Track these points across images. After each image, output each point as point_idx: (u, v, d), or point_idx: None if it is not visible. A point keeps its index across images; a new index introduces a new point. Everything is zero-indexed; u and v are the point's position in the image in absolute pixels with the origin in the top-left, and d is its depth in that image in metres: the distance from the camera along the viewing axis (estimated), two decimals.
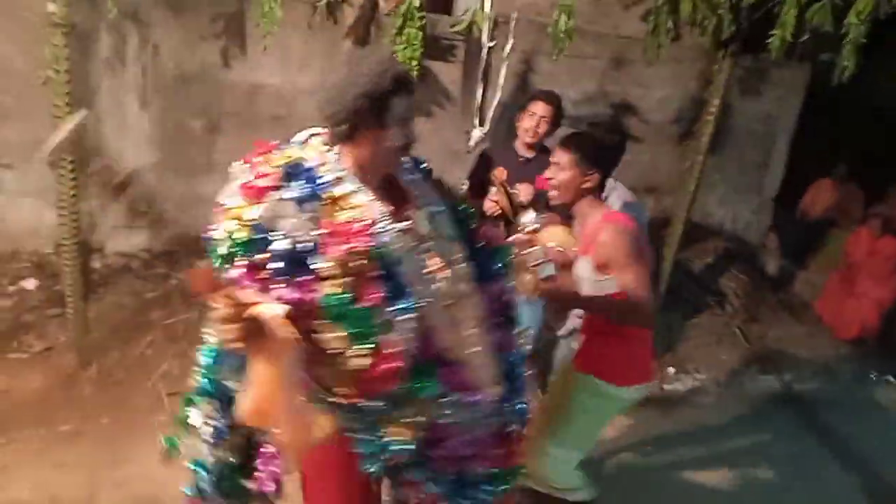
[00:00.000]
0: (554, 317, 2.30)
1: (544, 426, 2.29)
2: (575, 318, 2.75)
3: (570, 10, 3.07)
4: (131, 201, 3.91)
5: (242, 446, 1.72)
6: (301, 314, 1.36)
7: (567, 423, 2.25)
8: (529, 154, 3.00)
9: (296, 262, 1.38)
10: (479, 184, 3.02)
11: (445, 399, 1.56)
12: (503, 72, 2.81)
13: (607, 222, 2.11)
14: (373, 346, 1.41)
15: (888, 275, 5.01)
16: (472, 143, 2.80)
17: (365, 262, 1.41)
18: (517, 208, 2.74)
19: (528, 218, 2.24)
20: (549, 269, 2.13)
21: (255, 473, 1.73)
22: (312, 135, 1.57)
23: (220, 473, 1.72)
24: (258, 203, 1.38)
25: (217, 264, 1.41)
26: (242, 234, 1.36)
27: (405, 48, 3.02)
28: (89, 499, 2.58)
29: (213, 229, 1.41)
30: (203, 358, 1.68)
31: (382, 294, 1.43)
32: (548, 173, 2.19)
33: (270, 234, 1.36)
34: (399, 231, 1.48)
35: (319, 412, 1.57)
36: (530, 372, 1.86)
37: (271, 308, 1.29)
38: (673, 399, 3.84)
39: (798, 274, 5.82)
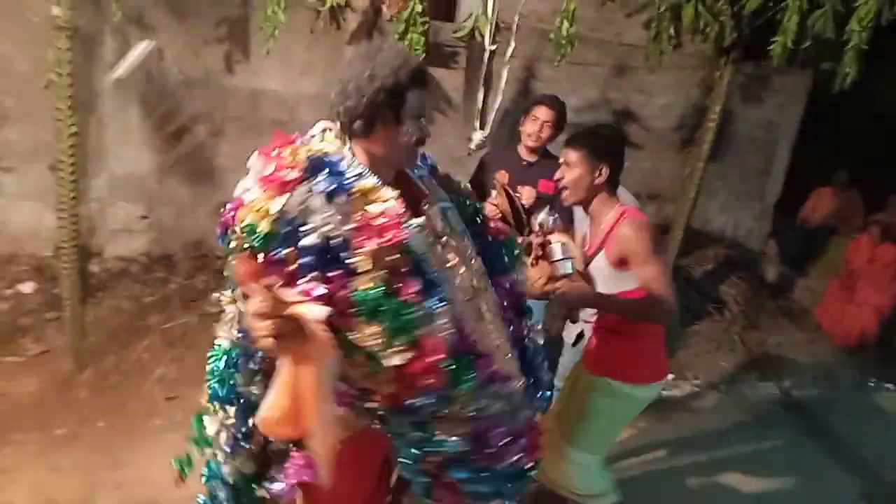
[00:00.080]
0: (551, 319, 2.27)
1: (562, 432, 2.25)
2: (582, 323, 2.73)
3: (572, 17, 3.07)
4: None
5: (258, 454, 1.66)
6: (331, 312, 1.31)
7: (585, 427, 2.21)
8: (532, 158, 3.00)
9: (326, 257, 1.32)
10: (480, 187, 3.01)
11: (485, 390, 1.51)
12: (505, 75, 2.82)
13: (626, 216, 2.07)
14: (413, 340, 1.36)
15: (888, 282, 5.01)
16: (472, 145, 2.80)
17: (398, 256, 1.37)
18: (518, 211, 2.73)
19: (543, 217, 2.22)
20: (569, 267, 2.09)
21: (275, 484, 1.65)
22: (326, 129, 1.53)
23: (238, 484, 1.65)
24: (283, 195, 1.32)
25: (232, 254, 1.37)
26: (267, 227, 1.30)
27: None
28: (86, 502, 2.56)
29: (232, 223, 1.36)
30: (214, 363, 1.62)
31: (419, 287, 1.39)
32: (558, 173, 2.16)
33: (299, 227, 1.31)
34: (418, 226, 1.45)
35: (347, 416, 1.52)
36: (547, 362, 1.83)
37: (314, 309, 1.22)
38: (672, 405, 3.83)
39: (798, 281, 5.82)
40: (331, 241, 1.32)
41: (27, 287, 3.65)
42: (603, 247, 2.12)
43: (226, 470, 1.63)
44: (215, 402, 1.62)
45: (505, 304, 1.70)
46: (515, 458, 1.62)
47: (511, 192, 2.77)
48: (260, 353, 1.52)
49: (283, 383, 1.29)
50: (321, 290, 1.28)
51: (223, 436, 1.61)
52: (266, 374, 1.53)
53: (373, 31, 3.29)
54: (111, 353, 3.37)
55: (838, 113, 6.24)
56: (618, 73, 4.88)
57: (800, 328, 5.17)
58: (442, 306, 1.41)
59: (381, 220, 1.37)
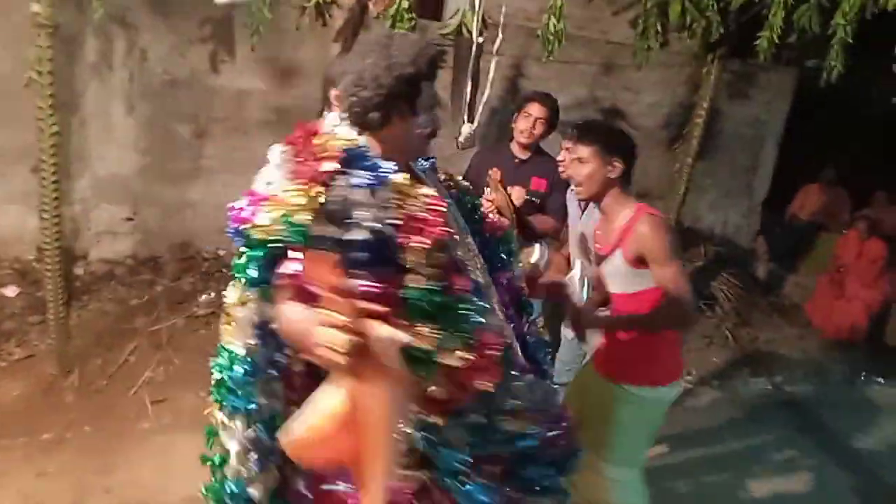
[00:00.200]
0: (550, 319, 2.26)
1: (592, 448, 2.11)
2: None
3: (560, 12, 3.07)
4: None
5: (278, 472, 1.52)
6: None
7: (615, 440, 2.13)
8: (524, 155, 2.98)
9: (374, 254, 1.24)
10: (472, 186, 2.99)
11: (524, 382, 1.46)
12: (493, 67, 2.80)
13: (643, 213, 2.02)
14: (470, 337, 1.29)
15: (875, 277, 5.05)
16: (461, 139, 2.78)
17: (446, 252, 1.31)
18: (511, 207, 2.72)
19: (535, 256, 2.20)
20: (583, 295, 2.05)
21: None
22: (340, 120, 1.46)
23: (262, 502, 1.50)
24: (320, 187, 1.25)
25: (261, 254, 1.28)
26: (307, 220, 1.22)
27: None
28: None
29: (250, 218, 1.27)
30: (222, 370, 1.47)
31: (470, 284, 1.34)
32: (570, 170, 2.14)
33: (342, 221, 1.23)
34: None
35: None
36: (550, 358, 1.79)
37: (398, 333, 1.12)
38: None
39: (787, 277, 5.84)
40: (377, 237, 1.25)
41: (10, 291, 3.59)
42: (620, 245, 2.05)
43: (253, 491, 1.48)
44: (233, 416, 1.46)
45: (505, 299, 1.67)
46: (567, 444, 1.55)
47: (505, 188, 2.76)
48: (281, 363, 1.42)
49: (331, 405, 1.15)
50: (367, 287, 1.18)
51: (252, 454, 1.46)
52: (289, 385, 1.44)
53: (359, 30, 3.27)
54: (97, 357, 3.32)
55: (824, 110, 6.29)
56: (605, 72, 4.89)
57: (790, 324, 5.20)
58: (485, 301, 1.36)
59: (427, 216, 1.30)
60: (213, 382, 1.50)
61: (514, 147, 3.00)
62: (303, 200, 1.23)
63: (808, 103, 5.77)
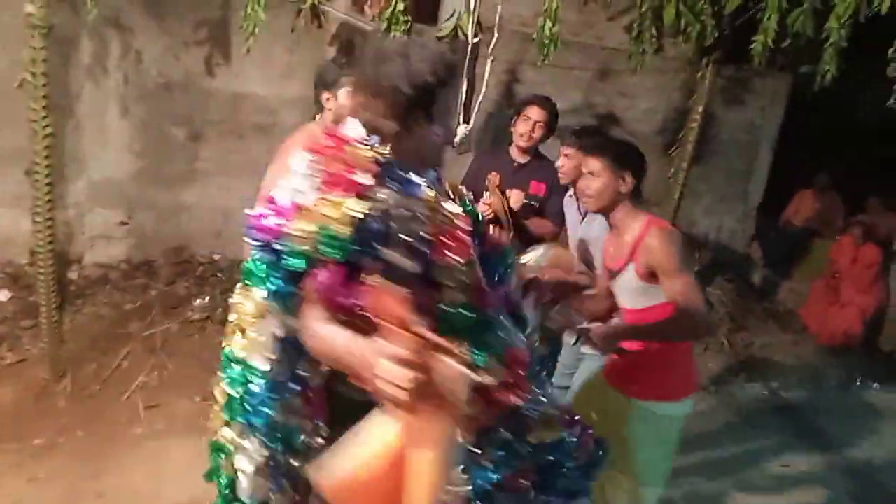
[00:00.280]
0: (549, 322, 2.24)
1: (624, 473, 2.12)
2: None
3: (555, 16, 3.07)
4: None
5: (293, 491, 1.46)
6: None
7: (646, 460, 2.11)
8: (523, 159, 2.97)
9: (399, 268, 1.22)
10: (471, 189, 2.99)
11: (549, 391, 1.46)
12: (488, 68, 2.81)
13: (653, 227, 2.00)
14: (501, 354, 1.29)
15: (870, 282, 5.06)
16: (456, 139, 2.78)
17: (473, 268, 1.29)
18: (509, 212, 2.71)
19: (534, 256, 2.19)
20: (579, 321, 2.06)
21: None
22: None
23: None
24: (358, 200, 1.21)
25: (294, 264, 1.24)
26: (348, 233, 1.19)
27: None
28: None
29: (279, 229, 1.23)
30: (235, 385, 1.38)
31: (498, 300, 1.33)
32: (581, 183, 2.12)
33: (381, 235, 1.21)
34: None
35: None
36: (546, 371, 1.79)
37: (464, 369, 1.08)
38: None
39: (782, 283, 5.85)
40: (414, 252, 1.23)
41: (2, 295, 3.56)
42: (632, 260, 2.03)
43: None
44: (249, 434, 1.39)
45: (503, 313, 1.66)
46: (593, 446, 1.55)
47: (503, 192, 2.76)
48: (303, 377, 1.37)
49: (385, 440, 1.10)
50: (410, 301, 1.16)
51: (268, 474, 1.40)
52: (304, 399, 1.39)
53: (355, 32, 3.27)
54: (90, 362, 3.28)
55: (818, 116, 6.32)
56: (601, 77, 4.90)
57: (785, 329, 5.20)
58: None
59: (459, 232, 1.30)
60: (220, 397, 1.43)
61: (514, 151, 2.99)
62: (339, 213, 1.20)
63: (802, 109, 5.80)
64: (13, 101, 2.97)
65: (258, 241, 1.28)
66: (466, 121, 2.71)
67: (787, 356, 4.78)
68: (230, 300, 1.47)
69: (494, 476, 1.36)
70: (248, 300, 1.38)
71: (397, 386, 1.05)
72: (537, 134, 2.91)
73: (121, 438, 2.89)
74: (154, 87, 3.87)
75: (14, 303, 3.53)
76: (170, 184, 4.06)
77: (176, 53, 3.86)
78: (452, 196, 1.68)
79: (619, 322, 2.20)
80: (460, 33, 2.87)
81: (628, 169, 2.05)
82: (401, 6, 2.86)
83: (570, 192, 2.81)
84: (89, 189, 3.89)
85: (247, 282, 1.38)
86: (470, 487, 1.31)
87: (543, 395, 1.44)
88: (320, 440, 1.42)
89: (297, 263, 1.24)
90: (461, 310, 1.24)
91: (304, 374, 1.38)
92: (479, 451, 1.33)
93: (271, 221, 1.26)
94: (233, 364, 1.39)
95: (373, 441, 1.11)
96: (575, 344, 2.79)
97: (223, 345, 1.49)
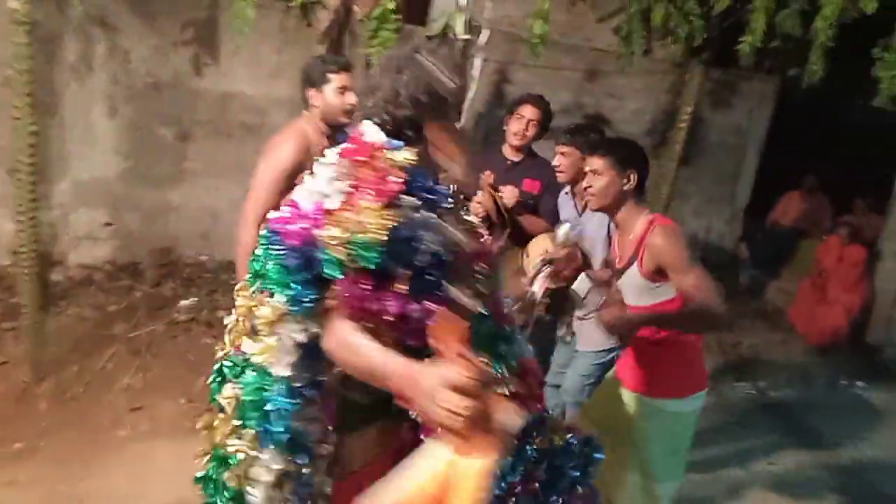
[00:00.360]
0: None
1: (641, 471, 2.12)
2: (577, 321, 2.68)
3: (545, 16, 3.07)
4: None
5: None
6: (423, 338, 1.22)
7: (659, 456, 2.10)
8: (516, 157, 2.96)
9: (438, 277, 1.24)
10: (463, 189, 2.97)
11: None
12: (478, 65, 2.81)
13: (654, 225, 1.99)
14: (515, 365, 1.30)
15: (856, 281, 5.11)
16: None
17: (495, 278, 1.31)
18: (502, 210, 2.70)
19: (564, 231, 2.18)
20: (596, 301, 2.05)
21: None
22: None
23: None
24: (389, 208, 1.21)
25: (328, 271, 1.22)
26: (382, 238, 1.18)
27: (380, 51, 2.98)
28: None
29: (309, 234, 1.22)
30: (252, 391, 1.32)
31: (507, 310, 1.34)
32: (585, 181, 2.11)
33: (411, 243, 1.21)
34: None
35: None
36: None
37: (517, 408, 1.15)
38: None
39: (770, 283, 5.90)
40: (440, 261, 1.24)
41: None
42: (635, 259, 2.02)
43: None
44: (266, 443, 1.34)
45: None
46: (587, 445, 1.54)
47: (494, 191, 2.74)
48: (323, 383, 1.34)
49: (437, 464, 1.13)
50: (419, 311, 1.18)
51: (286, 486, 1.36)
52: (322, 411, 1.37)
53: (344, 31, 3.25)
54: (73, 363, 3.23)
55: (804, 119, 6.38)
56: (590, 78, 4.92)
57: (773, 329, 5.24)
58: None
59: (481, 244, 1.31)
60: (226, 405, 1.38)
61: (507, 150, 2.98)
62: (377, 220, 1.19)
63: (789, 112, 5.86)
64: None
65: (283, 246, 1.25)
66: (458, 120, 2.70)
67: (776, 355, 4.81)
68: (237, 302, 1.43)
69: (504, 483, 1.33)
70: (264, 304, 1.33)
71: (457, 413, 1.07)
72: (530, 132, 2.89)
73: (104, 441, 2.84)
74: (142, 86, 3.83)
75: None
76: (156, 184, 4.02)
77: (164, 53, 3.83)
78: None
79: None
80: (450, 33, 2.85)
81: (632, 167, 2.04)
82: (391, 5, 2.84)
83: (567, 189, 2.81)
84: (74, 189, 3.84)
85: (263, 286, 1.33)
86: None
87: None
88: (329, 447, 1.40)
89: (332, 270, 1.22)
90: (483, 320, 1.26)
91: (321, 379, 1.35)
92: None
93: (297, 226, 1.24)
94: (246, 370, 1.35)
95: (421, 472, 1.14)
96: (569, 343, 2.79)
97: (225, 349, 1.44)
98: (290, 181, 2.27)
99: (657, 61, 4.87)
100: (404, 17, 3.21)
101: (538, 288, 2.29)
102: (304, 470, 1.35)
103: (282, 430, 1.31)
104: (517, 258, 2.75)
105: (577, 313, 2.65)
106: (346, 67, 2.34)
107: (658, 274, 1.97)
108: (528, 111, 2.89)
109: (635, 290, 2.07)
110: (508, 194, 2.78)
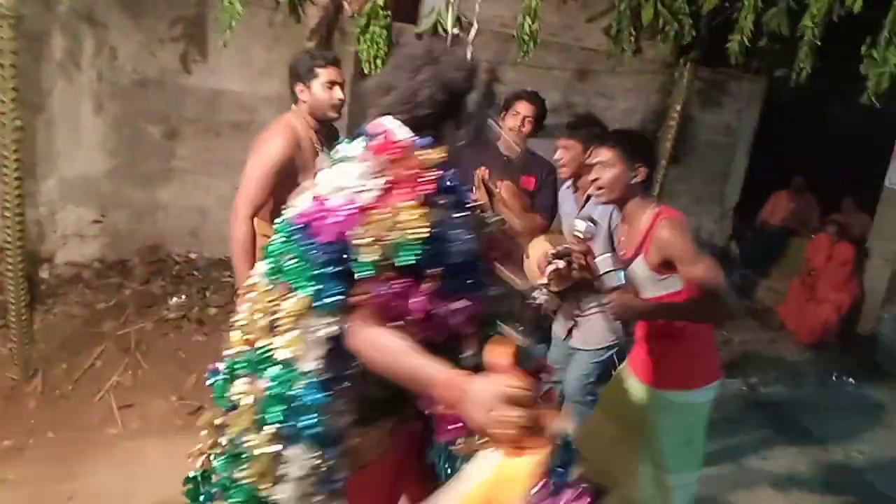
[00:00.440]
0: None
1: (652, 462, 2.11)
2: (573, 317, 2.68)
3: (535, 14, 3.08)
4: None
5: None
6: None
7: (670, 448, 2.09)
8: (512, 154, 2.96)
9: (468, 274, 1.27)
10: None
11: None
12: (468, 56, 2.81)
13: (661, 218, 1.97)
14: (532, 363, 1.32)
15: (845, 279, 5.14)
16: None
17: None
18: (496, 205, 2.69)
19: (585, 225, 2.17)
20: (621, 277, 2.04)
21: None
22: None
23: None
24: (424, 206, 1.21)
25: (363, 270, 1.21)
26: (421, 237, 1.18)
27: (370, 47, 2.98)
28: None
29: (346, 229, 1.20)
30: (280, 386, 1.29)
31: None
32: (593, 173, 2.08)
33: (444, 241, 1.22)
34: None
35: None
36: None
37: (564, 421, 1.20)
38: None
39: (760, 281, 5.93)
40: (470, 258, 1.26)
41: None
42: (641, 251, 2.01)
43: None
44: (297, 439, 1.31)
45: None
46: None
47: (490, 186, 2.73)
48: (351, 376, 1.33)
49: (481, 483, 1.17)
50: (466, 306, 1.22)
51: (315, 481, 1.33)
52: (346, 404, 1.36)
53: (334, 28, 3.25)
54: (62, 361, 3.20)
55: (792, 119, 6.43)
56: (580, 77, 4.94)
57: (763, 327, 5.27)
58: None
59: (500, 239, 1.35)
60: (242, 400, 1.34)
61: (503, 146, 2.97)
62: (416, 219, 1.19)
63: (777, 111, 5.91)
64: None
65: (313, 241, 1.24)
66: None
67: (766, 353, 4.83)
68: (248, 297, 1.41)
69: (558, 478, 1.36)
70: (286, 298, 1.31)
71: (512, 425, 1.10)
72: (526, 128, 2.88)
73: (93, 439, 2.81)
74: (129, 83, 3.81)
75: None
76: (145, 182, 4.00)
77: (151, 50, 3.81)
78: None
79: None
80: (440, 29, 2.85)
81: (641, 160, 2.02)
82: (380, 1, 2.84)
83: (568, 183, 2.79)
84: (61, 187, 3.81)
85: (285, 280, 1.30)
86: None
87: None
88: (351, 440, 1.38)
89: (366, 269, 1.21)
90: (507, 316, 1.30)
91: (348, 373, 1.33)
92: None
93: (331, 222, 1.22)
94: (266, 365, 1.32)
95: (471, 480, 1.19)
96: (566, 339, 2.79)
97: (234, 345, 1.41)
98: (279, 176, 2.28)
99: (647, 61, 4.90)
100: (394, 14, 3.21)
101: (550, 283, 2.28)
102: (332, 464, 1.32)
103: (314, 423, 1.28)
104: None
105: (577, 310, 2.64)
106: (333, 62, 2.33)
107: (665, 266, 1.96)
108: (524, 107, 2.87)
109: (641, 282, 2.06)
110: (505, 190, 2.77)
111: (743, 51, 3.37)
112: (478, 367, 1.28)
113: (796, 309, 5.22)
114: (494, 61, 4.52)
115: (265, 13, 3.75)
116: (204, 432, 1.46)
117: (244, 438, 1.33)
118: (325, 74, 2.29)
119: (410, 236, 1.18)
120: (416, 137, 1.30)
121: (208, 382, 1.47)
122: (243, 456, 1.34)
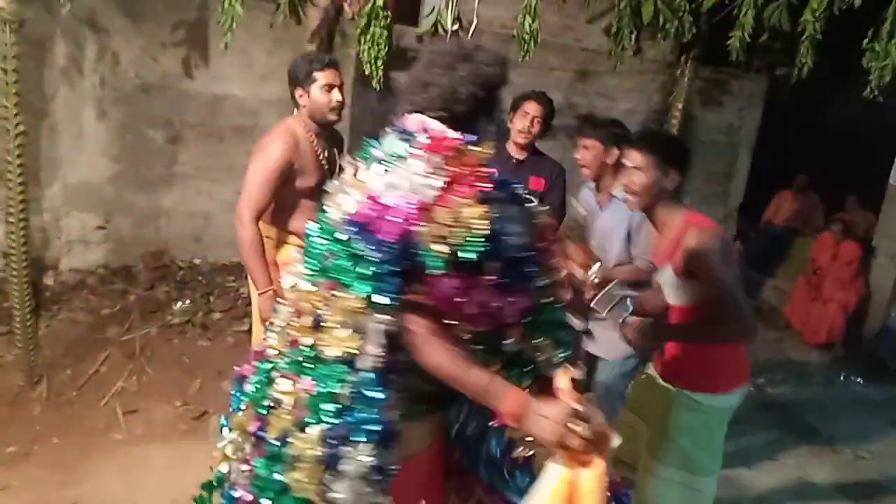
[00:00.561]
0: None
1: (676, 465, 2.08)
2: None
3: (535, 13, 3.08)
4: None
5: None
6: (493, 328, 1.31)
7: (670, 443, 2.07)
8: (521, 155, 2.93)
9: (519, 270, 1.30)
10: None
11: None
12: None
13: (690, 225, 1.93)
14: (570, 352, 1.39)
15: (851, 278, 5.11)
16: None
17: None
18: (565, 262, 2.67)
19: (595, 269, 2.17)
20: (627, 308, 2.07)
21: None
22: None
23: None
24: (482, 204, 1.23)
25: (433, 267, 1.22)
26: (485, 233, 1.21)
27: (370, 49, 2.98)
28: None
29: (410, 228, 1.21)
30: (333, 383, 1.28)
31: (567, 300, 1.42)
32: (624, 178, 2.04)
33: (502, 239, 1.25)
34: None
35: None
36: None
37: (616, 434, 1.28)
38: None
39: (765, 281, 5.90)
40: (523, 254, 1.30)
41: None
42: (670, 258, 1.99)
43: None
44: (353, 436, 1.29)
45: None
46: None
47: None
48: (398, 375, 1.33)
49: (552, 492, 1.26)
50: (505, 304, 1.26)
51: (373, 479, 1.31)
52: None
53: (334, 30, 3.25)
54: (67, 367, 3.20)
55: (795, 117, 6.42)
56: (581, 78, 4.93)
57: (770, 327, 5.24)
58: None
59: (549, 235, 1.39)
60: (286, 398, 1.33)
61: (511, 147, 2.94)
62: (479, 215, 1.21)
63: (779, 110, 5.89)
64: None
65: (372, 240, 1.23)
66: None
67: (772, 353, 4.81)
68: (287, 297, 1.43)
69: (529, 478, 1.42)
70: (335, 298, 1.29)
71: (577, 437, 1.20)
72: (535, 129, 2.86)
73: (98, 445, 2.81)
74: (131, 88, 3.83)
75: None
76: (148, 187, 4.01)
77: (153, 55, 3.82)
78: None
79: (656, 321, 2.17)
80: (440, 29, 2.85)
81: (674, 165, 1.97)
82: (380, 1, 2.84)
83: (591, 184, 2.75)
84: (65, 193, 3.82)
85: (336, 278, 1.29)
86: None
87: None
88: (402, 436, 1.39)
89: (434, 266, 1.22)
90: (557, 308, 1.37)
91: (401, 367, 1.31)
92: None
93: (392, 220, 1.22)
94: (313, 364, 1.30)
95: (543, 490, 1.27)
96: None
97: (273, 346, 1.40)
98: (280, 180, 2.29)
99: (648, 61, 4.89)
100: (394, 16, 3.21)
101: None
102: (385, 459, 1.30)
103: (372, 420, 1.27)
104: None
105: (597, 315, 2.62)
106: (331, 64, 2.33)
107: (690, 274, 1.94)
108: (532, 108, 2.85)
109: (672, 290, 2.04)
110: (576, 252, 2.72)
111: (744, 47, 3.36)
112: (520, 353, 1.39)
113: (802, 308, 5.20)
114: None
115: (266, 17, 3.76)
116: (232, 434, 1.45)
117: (289, 439, 1.31)
118: (322, 77, 2.29)
119: (474, 232, 1.20)
120: (460, 135, 1.30)
121: (253, 382, 1.44)
122: (289, 457, 1.31)
